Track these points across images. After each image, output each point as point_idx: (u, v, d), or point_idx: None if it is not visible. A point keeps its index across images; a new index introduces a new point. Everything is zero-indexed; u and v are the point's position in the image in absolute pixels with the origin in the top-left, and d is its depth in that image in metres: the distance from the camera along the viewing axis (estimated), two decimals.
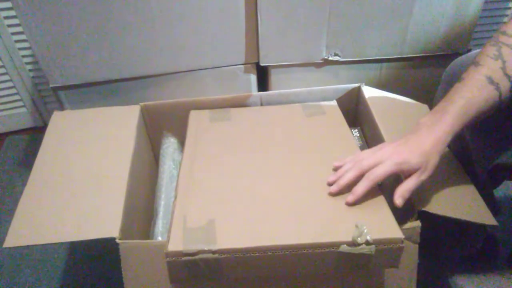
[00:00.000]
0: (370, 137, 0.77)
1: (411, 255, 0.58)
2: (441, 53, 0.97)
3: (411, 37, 0.93)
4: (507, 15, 1.24)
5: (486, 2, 1.06)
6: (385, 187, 0.71)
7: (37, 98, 1.24)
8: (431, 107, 0.80)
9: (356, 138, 0.78)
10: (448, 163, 0.69)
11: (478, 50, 0.66)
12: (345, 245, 0.51)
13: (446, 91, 0.63)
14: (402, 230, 0.54)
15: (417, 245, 0.58)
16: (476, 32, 1.11)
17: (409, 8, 0.88)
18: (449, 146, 0.73)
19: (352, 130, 0.80)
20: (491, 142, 0.68)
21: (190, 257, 0.50)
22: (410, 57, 0.97)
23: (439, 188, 0.63)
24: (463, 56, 0.69)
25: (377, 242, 0.51)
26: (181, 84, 0.92)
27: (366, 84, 0.84)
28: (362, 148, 0.77)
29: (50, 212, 0.60)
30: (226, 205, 0.57)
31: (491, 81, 0.53)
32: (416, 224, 0.58)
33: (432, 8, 0.89)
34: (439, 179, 0.65)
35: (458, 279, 0.87)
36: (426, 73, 1.01)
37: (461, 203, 0.62)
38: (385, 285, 0.60)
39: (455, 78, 0.58)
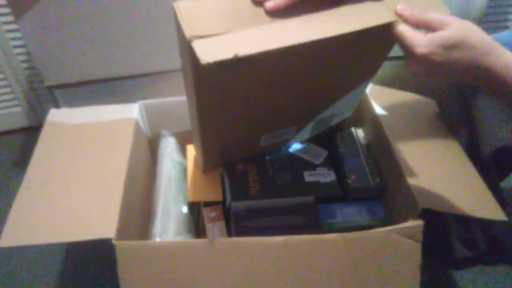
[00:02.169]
0: (374, 136, 0.77)
1: (414, 254, 0.58)
2: None
3: None
4: (510, 18, 1.24)
5: (490, 2, 1.05)
6: (386, 188, 0.70)
7: (32, 97, 1.23)
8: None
9: (361, 137, 0.78)
10: (453, 154, 0.69)
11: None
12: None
13: (455, 83, 0.63)
14: (404, 228, 0.54)
15: (420, 244, 0.58)
16: None
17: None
18: (453, 124, 0.74)
19: (357, 129, 0.79)
20: (500, 119, 0.68)
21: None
22: None
23: (444, 182, 0.63)
24: None
25: None
26: (180, 82, 0.91)
27: None
28: (366, 147, 0.76)
29: (45, 212, 0.60)
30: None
31: None
32: (419, 222, 0.57)
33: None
34: (444, 172, 0.65)
35: (462, 279, 0.87)
36: None
37: (467, 197, 0.62)
38: (387, 286, 0.59)
39: None
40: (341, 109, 0.74)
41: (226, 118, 0.59)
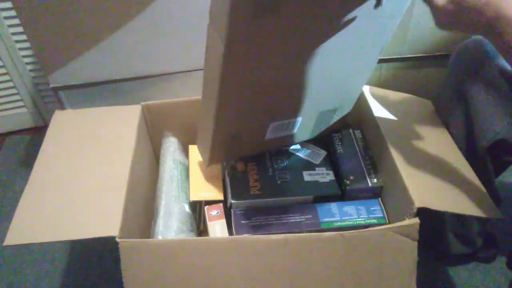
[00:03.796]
0: (371, 136, 0.77)
1: (410, 252, 0.59)
2: (441, 53, 0.97)
3: (411, 37, 0.94)
4: None
5: None
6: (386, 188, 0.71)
7: (37, 98, 1.24)
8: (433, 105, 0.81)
9: (359, 138, 0.78)
10: (449, 153, 0.70)
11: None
12: None
13: (453, 77, 0.63)
14: (401, 227, 0.54)
15: (416, 243, 0.58)
16: None
17: (409, 9, 0.88)
18: (450, 118, 0.75)
19: (354, 130, 0.80)
20: (495, 112, 0.69)
21: None
22: (410, 57, 0.97)
23: (440, 181, 0.64)
24: (468, 41, 0.71)
25: None
26: (182, 84, 0.93)
27: (365, 84, 0.84)
28: (364, 148, 0.77)
29: (50, 210, 0.61)
30: None
31: None
32: (415, 221, 0.58)
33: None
34: (440, 171, 0.66)
35: (458, 278, 0.87)
36: (426, 73, 1.01)
37: (463, 196, 0.62)
38: (384, 283, 0.60)
39: (461, 63, 0.57)
40: (341, 103, 0.74)
41: (246, 88, 0.60)
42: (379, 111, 0.76)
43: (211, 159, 0.73)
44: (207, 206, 0.72)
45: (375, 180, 0.71)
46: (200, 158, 0.78)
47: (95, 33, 0.81)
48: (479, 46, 0.70)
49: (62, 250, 0.95)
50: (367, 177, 0.72)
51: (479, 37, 0.70)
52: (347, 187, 0.71)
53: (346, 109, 0.78)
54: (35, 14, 0.76)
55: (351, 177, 0.72)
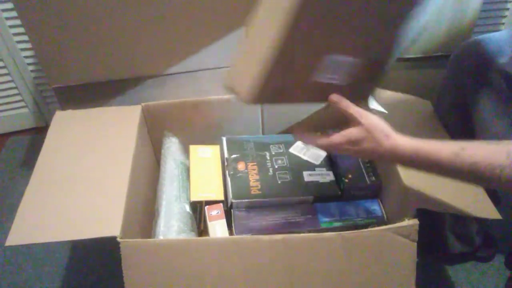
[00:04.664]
0: None
1: (409, 253, 0.59)
2: (441, 53, 0.97)
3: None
4: (506, 16, 1.24)
5: (485, 3, 1.06)
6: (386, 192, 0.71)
7: (38, 99, 1.25)
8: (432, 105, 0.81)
9: None
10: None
11: (483, 35, 0.68)
12: None
13: (452, 78, 0.63)
14: (400, 228, 0.54)
15: (415, 244, 0.59)
16: (475, 32, 1.11)
17: None
18: (449, 119, 0.75)
19: None
20: (494, 114, 0.69)
21: None
22: (410, 57, 0.97)
23: (439, 182, 0.63)
24: (468, 42, 0.71)
25: None
26: (182, 84, 0.93)
27: None
28: None
29: (51, 211, 0.61)
30: None
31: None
32: (414, 222, 0.58)
33: (432, 9, 0.89)
34: None
35: (456, 278, 0.87)
36: (426, 73, 1.01)
37: (462, 196, 0.62)
38: (384, 284, 0.60)
39: (461, 64, 0.59)
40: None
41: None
42: (378, 107, 0.76)
43: (256, 88, 0.54)
44: (207, 206, 0.72)
45: (373, 178, 0.71)
46: (200, 158, 0.79)
47: (95, 34, 0.81)
48: (479, 47, 0.70)
49: (63, 250, 0.95)
50: (365, 175, 0.72)
51: (479, 38, 0.70)
52: (345, 186, 0.71)
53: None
54: (36, 15, 0.76)
55: (350, 176, 0.72)
